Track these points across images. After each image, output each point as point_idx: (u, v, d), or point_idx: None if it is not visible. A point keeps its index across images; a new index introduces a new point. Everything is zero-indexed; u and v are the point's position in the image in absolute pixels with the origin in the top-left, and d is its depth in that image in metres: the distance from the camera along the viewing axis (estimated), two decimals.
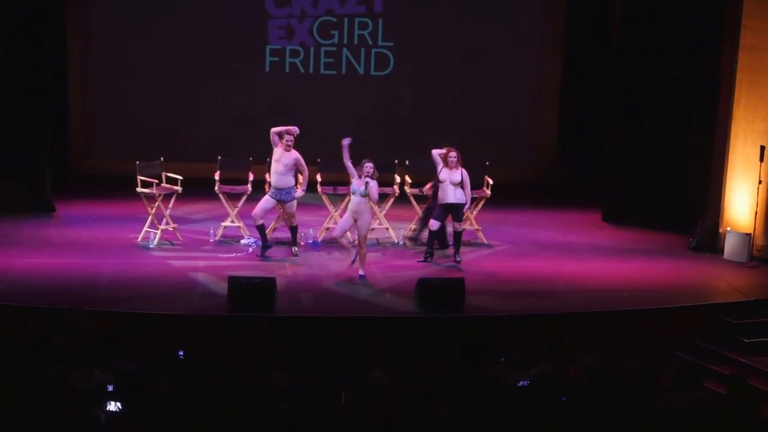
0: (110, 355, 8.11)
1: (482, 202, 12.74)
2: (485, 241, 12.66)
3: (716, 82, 12.60)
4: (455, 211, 11.62)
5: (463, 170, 11.57)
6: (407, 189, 12.69)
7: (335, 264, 11.59)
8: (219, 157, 12.80)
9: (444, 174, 11.53)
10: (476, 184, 12.67)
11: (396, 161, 12.85)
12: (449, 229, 11.88)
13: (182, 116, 15.63)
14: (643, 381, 7.82)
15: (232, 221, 12.41)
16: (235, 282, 10.15)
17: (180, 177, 12.39)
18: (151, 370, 7.46)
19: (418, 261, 11.79)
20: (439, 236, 11.83)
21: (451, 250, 11.90)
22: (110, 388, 7.19)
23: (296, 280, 11.02)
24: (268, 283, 10.16)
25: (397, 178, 12.66)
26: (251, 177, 12.38)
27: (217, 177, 12.48)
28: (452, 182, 11.50)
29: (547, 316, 10.31)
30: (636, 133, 13.66)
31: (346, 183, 12.45)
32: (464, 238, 12.50)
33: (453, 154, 11.50)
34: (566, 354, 8.98)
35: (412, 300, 10.35)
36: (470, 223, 12.64)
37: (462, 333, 9.90)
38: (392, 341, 9.80)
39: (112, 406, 6.80)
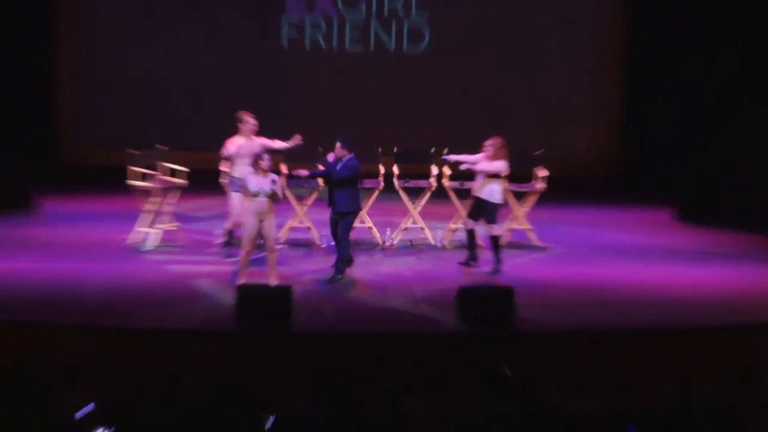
0: (98, 377, 7.74)
1: (533, 198, 12.67)
2: (538, 244, 12.62)
3: None
4: (486, 209, 11.48)
5: (501, 162, 11.48)
6: (445, 182, 12.58)
7: (361, 271, 11.49)
8: None
9: (482, 165, 11.50)
10: (525, 176, 12.67)
11: (432, 150, 12.74)
12: (480, 230, 11.79)
13: (187, 99, 15.77)
14: (730, 410, 7.30)
15: None
16: (244, 291, 9.90)
17: (186, 169, 12.40)
18: (145, 394, 7.15)
19: (459, 263, 11.72)
20: (472, 238, 11.71)
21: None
22: (90, 407, 6.87)
23: (317, 289, 10.97)
24: (284, 293, 9.91)
25: (434, 170, 12.57)
26: None
27: (225, 168, 12.21)
28: (487, 174, 11.44)
29: (612, 333, 9.98)
30: (719, 124, 13.81)
31: (374, 176, 12.45)
32: (513, 239, 12.66)
33: (489, 141, 11.48)
34: (637, 378, 8.63)
35: (451, 313, 10.05)
36: (520, 223, 12.62)
37: (512, 353, 9.50)
38: (429, 362, 9.46)
39: None
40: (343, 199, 10.99)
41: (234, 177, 11.53)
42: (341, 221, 11.01)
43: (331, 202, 11.09)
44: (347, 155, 10.99)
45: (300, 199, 12.59)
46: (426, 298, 10.72)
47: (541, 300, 10.70)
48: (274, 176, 10.62)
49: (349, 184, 11.00)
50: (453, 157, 11.89)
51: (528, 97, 15.98)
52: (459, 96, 15.91)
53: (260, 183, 10.53)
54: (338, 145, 11.00)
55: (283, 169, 12.13)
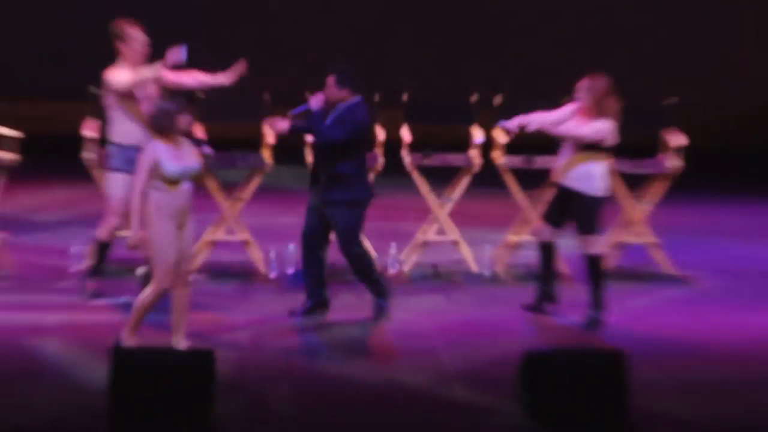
0: None
1: (661, 186, 13.00)
2: (670, 271, 12.93)
3: None
4: (577, 207, 11.60)
5: (605, 122, 11.59)
6: (498, 158, 12.83)
7: (347, 315, 11.64)
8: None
9: (570, 127, 11.63)
10: (645, 147, 12.90)
11: (473, 100, 12.97)
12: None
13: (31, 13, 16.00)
14: None
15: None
16: (128, 361, 9.59)
17: (19, 134, 12.80)
18: None
19: (523, 306, 11.76)
20: (549, 260, 11.88)
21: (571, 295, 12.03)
22: None
23: (263, 353, 10.91)
24: (201, 363, 9.57)
25: (477, 136, 12.76)
26: None
27: (95, 134, 12.49)
28: (580, 145, 11.57)
29: None
30: None
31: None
32: (626, 261, 13.09)
33: (583, 82, 11.59)
34: None
35: (511, 398, 9.55)
36: (638, 232, 12.93)
37: None
38: None
39: None
40: (336, 178, 11.09)
41: (118, 145, 11.59)
42: (335, 216, 11.11)
43: (314, 183, 11.30)
44: (349, 98, 11.10)
45: (230, 189, 12.55)
46: (464, 372, 10.56)
47: (677, 375, 10.54)
48: (200, 141, 11.14)
49: (346, 153, 11.05)
50: (517, 122, 11.72)
51: (652, 23, 16.78)
52: (518, 6, 16.02)
53: (183, 158, 10.45)
54: (331, 80, 11.10)
55: (197, 132, 11.48)
